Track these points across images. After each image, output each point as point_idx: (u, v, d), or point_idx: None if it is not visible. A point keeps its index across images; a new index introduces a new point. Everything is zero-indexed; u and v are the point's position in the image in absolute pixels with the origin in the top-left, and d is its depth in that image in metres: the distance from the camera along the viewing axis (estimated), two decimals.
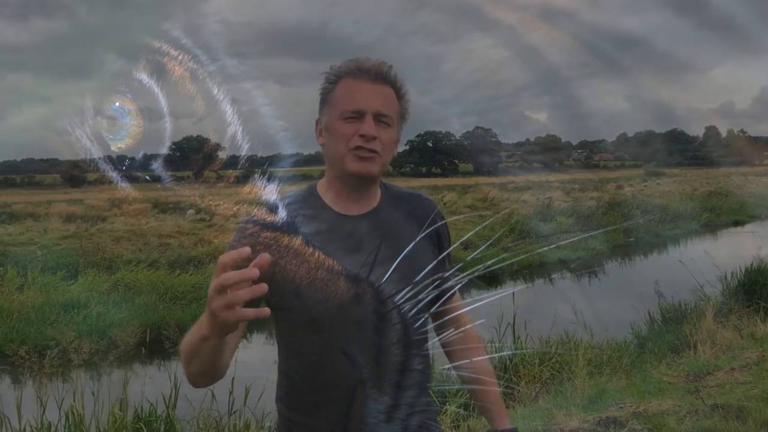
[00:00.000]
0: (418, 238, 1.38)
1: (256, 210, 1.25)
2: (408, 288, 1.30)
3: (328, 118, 1.41)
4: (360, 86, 1.39)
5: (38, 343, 8.21)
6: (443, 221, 1.54)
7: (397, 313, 1.24)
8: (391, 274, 1.23)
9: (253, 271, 1.05)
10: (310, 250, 1.24)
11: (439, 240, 1.50)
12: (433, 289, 1.27)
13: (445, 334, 1.46)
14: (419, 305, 1.26)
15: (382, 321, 1.22)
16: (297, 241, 1.23)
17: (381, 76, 1.40)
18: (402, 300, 1.22)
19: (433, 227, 1.47)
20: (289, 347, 1.43)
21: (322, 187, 1.46)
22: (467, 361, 1.51)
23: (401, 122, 1.45)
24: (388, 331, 1.23)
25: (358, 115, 1.37)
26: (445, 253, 1.46)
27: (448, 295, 1.46)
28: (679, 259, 8.27)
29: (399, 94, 1.43)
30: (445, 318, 1.45)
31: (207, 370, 1.28)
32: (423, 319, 1.28)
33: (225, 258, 1.08)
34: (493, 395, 1.55)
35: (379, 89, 1.40)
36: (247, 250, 1.07)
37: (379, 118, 1.38)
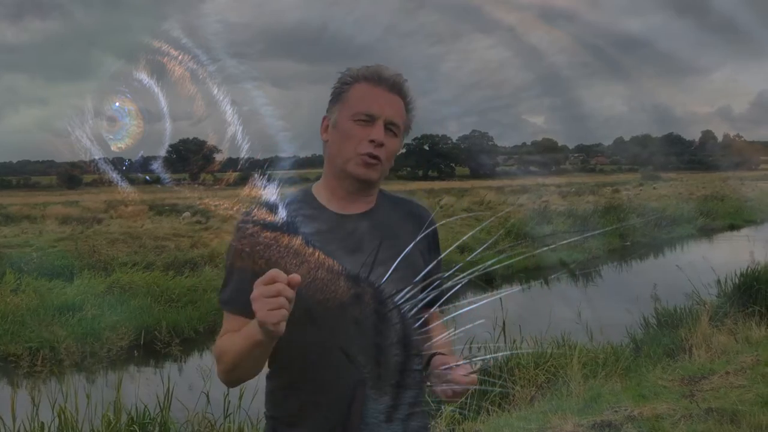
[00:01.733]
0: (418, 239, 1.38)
1: (252, 210, 1.27)
2: (408, 288, 1.31)
3: (338, 117, 1.44)
4: (376, 92, 1.43)
5: (32, 345, 8.19)
6: (435, 230, 1.55)
7: (396, 313, 1.26)
8: (389, 274, 1.25)
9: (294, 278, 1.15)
10: (308, 249, 1.26)
11: (429, 246, 1.51)
12: (431, 290, 1.30)
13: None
14: (417, 306, 1.28)
15: (381, 321, 1.24)
16: (294, 241, 1.25)
17: (397, 86, 1.44)
18: (402, 300, 1.24)
19: (427, 232, 1.47)
20: (285, 348, 1.43)
21: (317, 187, 1.49)
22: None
23: (404, 134, 1.50)
24: (387, 332, 1.25)
25: (370, 120, 1.41)
26: (440, 258, 1.48)
27: (437, 305, 1.44)
28: (676, 264, 8.29)
29: (408, 107, 1.47)
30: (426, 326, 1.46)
31: (253, 371, 1.36)
32: (422, 319, 1.30)
33: (274, 273, 1.16)
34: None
35: (393, 99, 1.44)
36: (297, 278, 1.15)
37: (388, 126, 1.42)
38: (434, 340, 1.43)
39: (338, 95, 1.46)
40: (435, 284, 1.30)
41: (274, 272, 1.15)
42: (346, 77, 1.45)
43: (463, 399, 4.38)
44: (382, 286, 1.24)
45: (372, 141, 1.40)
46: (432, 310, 1.35)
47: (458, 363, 1.32)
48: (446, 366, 1.32)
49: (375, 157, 1.41)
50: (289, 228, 1.28)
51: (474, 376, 1.32)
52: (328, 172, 1.47)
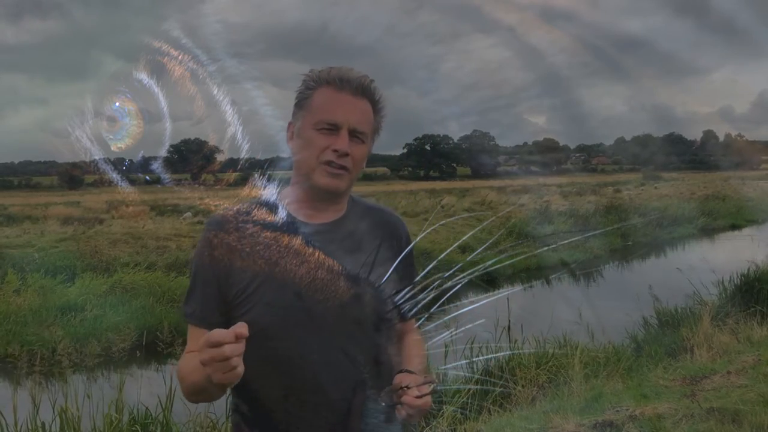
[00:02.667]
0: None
1: (217, 215, 1.29)
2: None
3: (302, 125, 1.37)
4: (339, 98, 1.35)
5: (34, 346, 8.19)
6: (408, 239, 1.51)
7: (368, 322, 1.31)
8: (352, 285, 1.28)
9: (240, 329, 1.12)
10: (265, 255, 1.28)
11: (401, 255, 1.45)
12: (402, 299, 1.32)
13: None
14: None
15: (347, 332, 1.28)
16: (256, 246, 1.27)
17: (362, 89, 1.36)
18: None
19: (398, 241, 1.46)
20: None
21: (284, 194, 1.41)
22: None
23: (374, 137, 1.43)
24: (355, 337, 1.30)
25: (334, 128, 1.34)
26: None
27: (412, 314, 1.42)
28: (677, 267, 8.29)
29: (376, 108, 1.40)
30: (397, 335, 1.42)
31: (215, 397, 1.33)
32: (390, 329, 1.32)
33: (215, 336, 1.13)
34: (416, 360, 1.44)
35: (358, 104, 1.36)
36: (243, 331, 1.13)
37: (354, 133, 1.35)
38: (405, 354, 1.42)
39: (302, 101, 1.38)
40: (406, 292, 1.32)
41: (217, 334, 1.12)
42: (309, 81, 1.38)
43: (466, 397, 4.38)
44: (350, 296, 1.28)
45: (335, 150, 1.33)
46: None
47: (409, 385, 1.26)
48: (400, 386, 1.26)
49: (341, 167, 1.34)
50: (250, 234, 1.28)
51: (428, 398, 1.26)
52: (296, 180, 1.40)
